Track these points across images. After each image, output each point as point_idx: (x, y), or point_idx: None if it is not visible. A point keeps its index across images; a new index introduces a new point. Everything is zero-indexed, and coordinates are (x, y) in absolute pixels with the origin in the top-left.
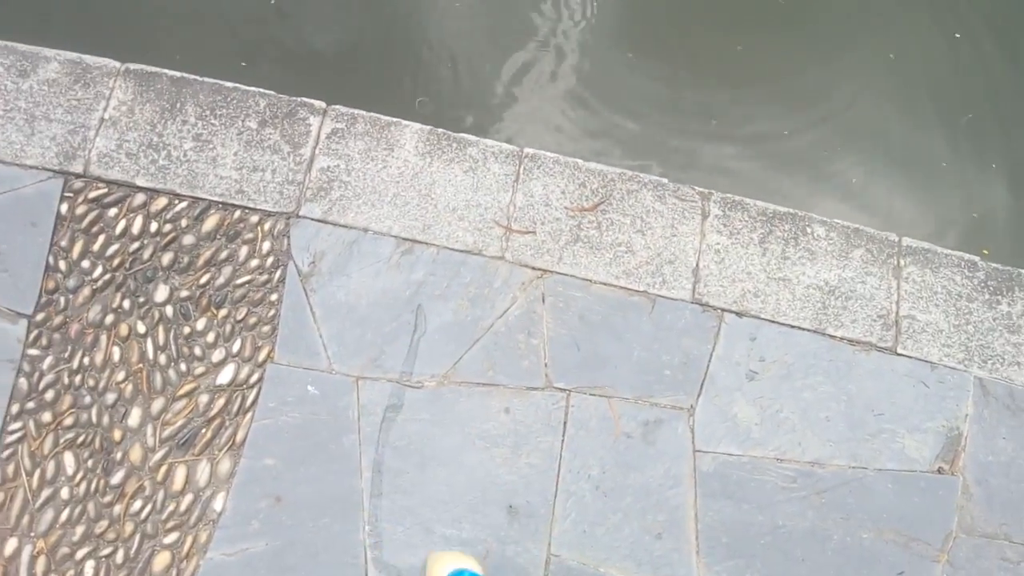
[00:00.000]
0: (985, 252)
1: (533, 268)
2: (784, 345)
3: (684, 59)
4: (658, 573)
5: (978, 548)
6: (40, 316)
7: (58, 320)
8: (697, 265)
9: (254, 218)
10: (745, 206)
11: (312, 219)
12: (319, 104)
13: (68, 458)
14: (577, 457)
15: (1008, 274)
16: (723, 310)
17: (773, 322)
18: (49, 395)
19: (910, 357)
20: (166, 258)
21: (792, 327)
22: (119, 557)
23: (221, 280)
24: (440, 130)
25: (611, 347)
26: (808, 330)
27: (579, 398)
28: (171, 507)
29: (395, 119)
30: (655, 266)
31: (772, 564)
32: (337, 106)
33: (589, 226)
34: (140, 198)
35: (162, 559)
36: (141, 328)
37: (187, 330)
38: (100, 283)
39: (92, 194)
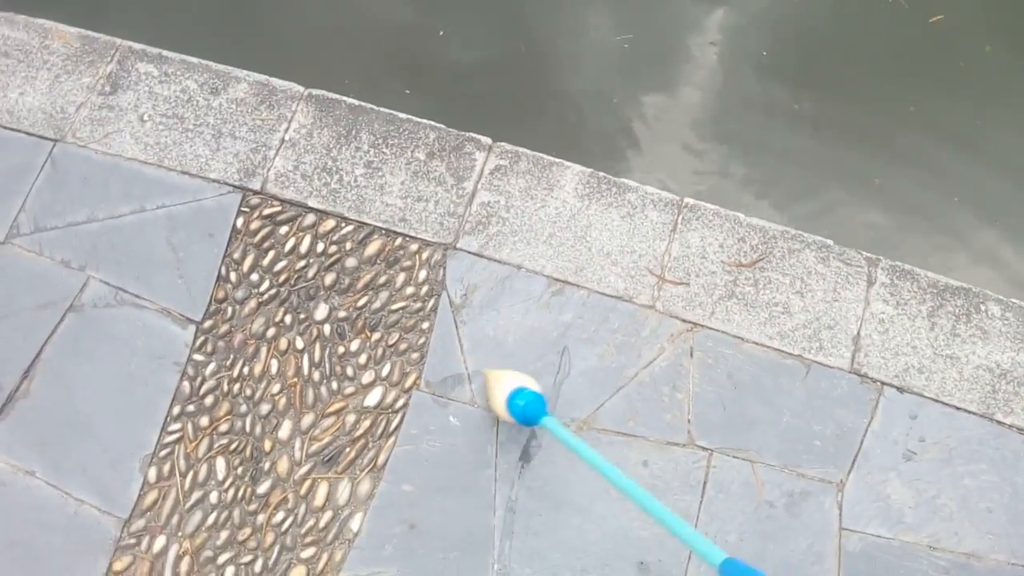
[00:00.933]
0: None
1: (683, 320)
2: (947, 427)
3: (854, 113)
4: None
5: None
6: (208, 323)
7: (224, 328)
8: (858, 333)
9: (414, 246)
10: (915, 276)
11: (468, 252)
12: (485, 140)
13: (220, 463)
14: (714, 520)
15: None
16: (883, 383)
17: (937, 401)
18: (209, 400)
19: None
20: (328, 278)
21: (957, 408)
22: (258, 566)
23: (377, 304)
24: (601, 173)
25: (759, 410)
26: (975, 413)
27: (721, 459)
28: (311, 522)
29: (558, 159)
30: (813, 330)
31: None
32: (503, 143)
33: (745, 283)
34: (311, 218)
35: (298, 572)
36: (300, 344)
37: (341, 350)
38: (266, 296)
39: (267, 211)
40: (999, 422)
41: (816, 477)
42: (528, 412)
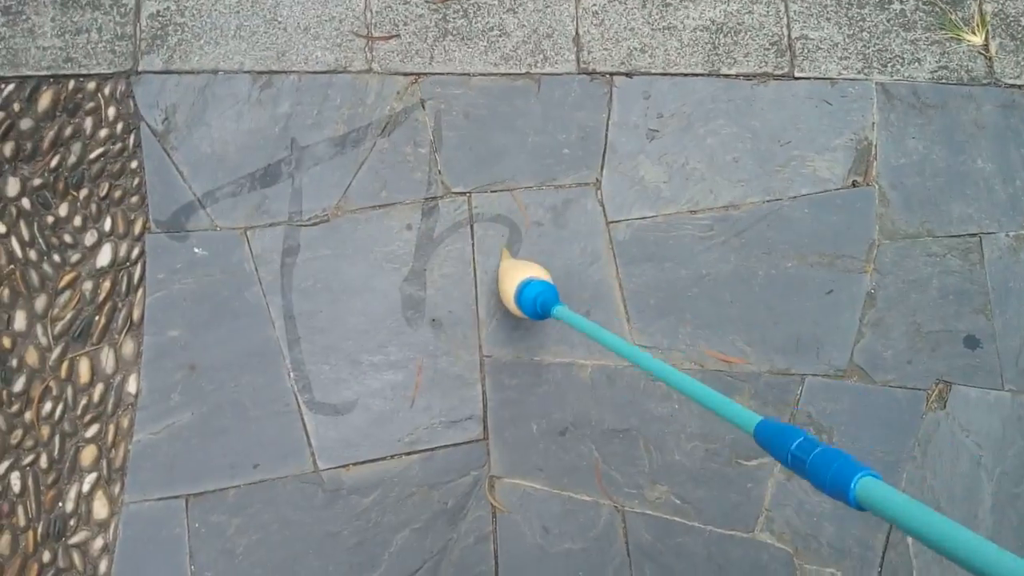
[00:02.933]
0: None
1: (405, 74)
2: (680, 96)
3: None
4: (591, 348)
5: (902, 250)
6: None
7: None
8: (577, 33)
9: (91, 85)
10: None
11: (154, 72)
12: None
13: None
14: (491, 257)
15: None
16: (611, 74)
17: (665, 74)
18: None
19: (809, 78)
20: (7, 148)
21: (685, 75)
22: (43, 462)
23: (73, 159)
24: None
25: (503, 139)
26: (702, 75)
27: (481, 198)
28: (84, 401)
29: None
30: (533, 44)
31: (703, 313)
32: None
33: (456, 16)
34: None
35: (89, 453)
36: (1, 228)
37: (51, 219)
38: None
39: None
40: (725, 75)
41: (573, 184)
42: (539, 304)
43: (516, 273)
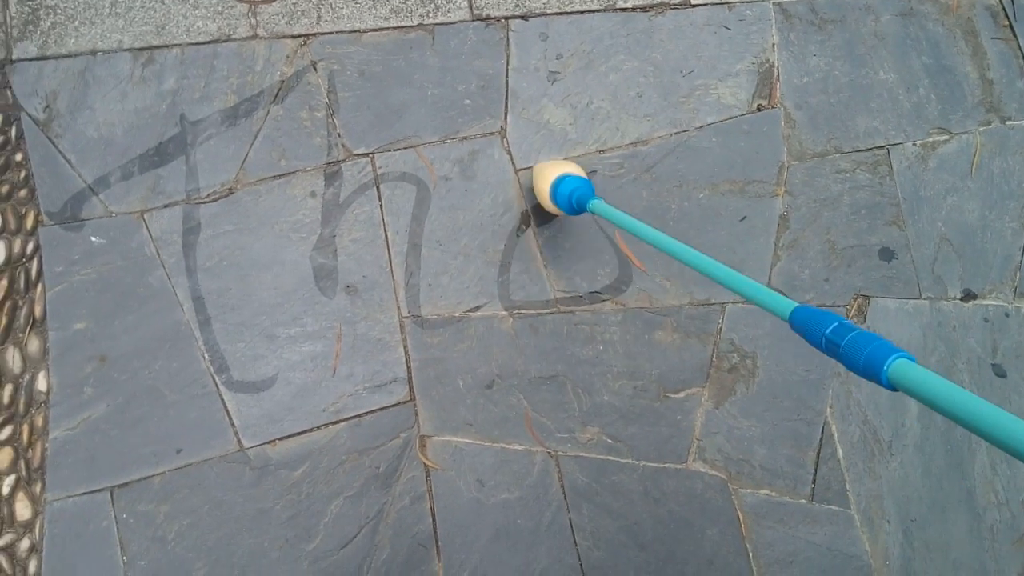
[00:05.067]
0: None
1: (293, 37)
2: (578, 34)
3: None
4: (513, 297)
5: (811, 169)
6: None
7: None
8: None
9: None
10: None
11: (29, 59)
12: None
13: None
14: (400, 217)
15: None
16: (507, 18)
17: (561, 14)
18: None
19: (706, 4)
20: None
21: (581, 12)
22: None
23: None
24: None
25: (402, 94)
26: (598, 10)
27: (385, 157)
28: None
29: None
30: None
31: None
32: None
33: None
34: None
35: (5, 455)
36: None
37: None
38: None
39: None
40: (621, 8)
41: (478, 134)
42: (574, 199)
43: (551, 171)
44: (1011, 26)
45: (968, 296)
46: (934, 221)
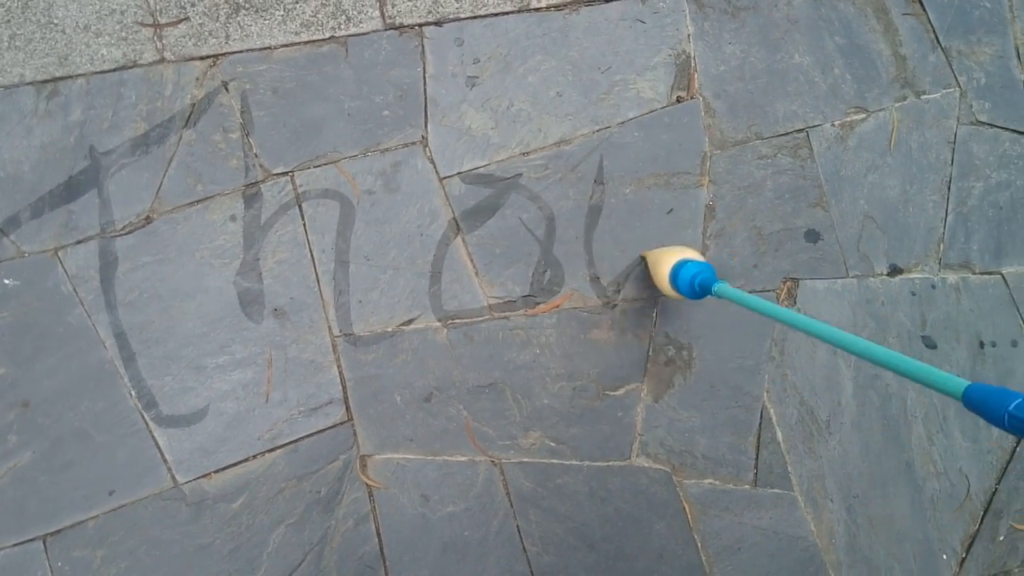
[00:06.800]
0: None
1: (202, 58)
2: (493, 37)
3: None
4: (446, 307)
5: (734, 157)
6: None
7: None
8: None
9: None
10: None
11: None
12: None
13: None
14: (325, 235)
15: None
16: (420, 25)
17: (475, 18)
18: None
19: (619, 0)
20: None
21: (495, 15)
22: None
23: None
24: None
25: (318, 109)
26: (512, 12)
27: (305, 175)
28: None
29: None
30: (333, 5)
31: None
32: None
33: None
34: None
35: None
36: None
37: None
38: None
39: None
40: (535, 9)
41: (399, 145)
42: (697, 284)
43: (667, 257)
44: (920, 0)
45: (894, 271)
46: (856, 200)
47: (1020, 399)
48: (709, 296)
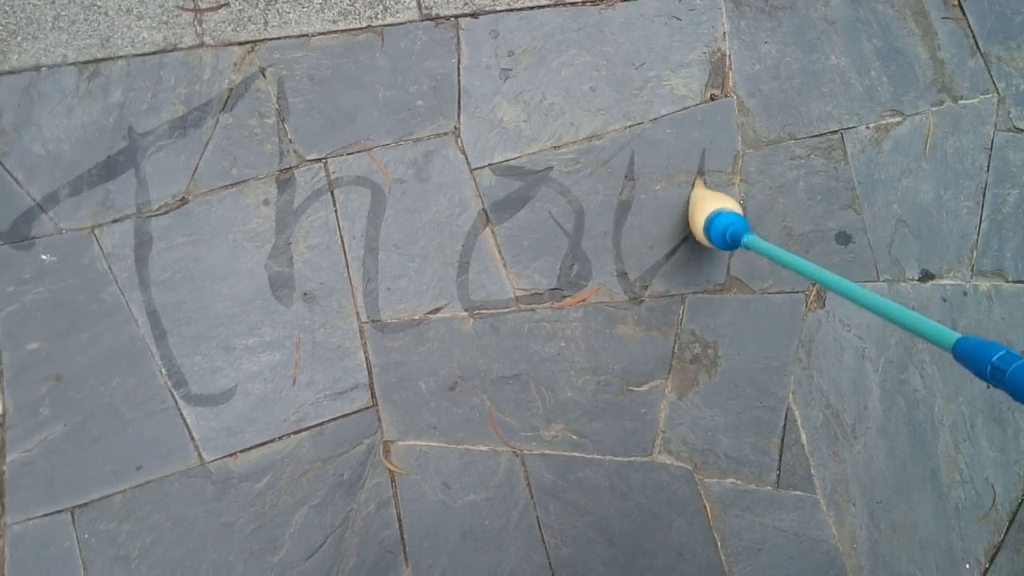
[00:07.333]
0: None
1: (240, 44)
2: (529, 30)
3: None
4: (473, 297)
5: (766, 157)
6: None
7: None
8: None
9: None
10: None
11: None
12: None
13: None
14: (356, 222)
15: None
16: (456, 16)
17: (510, 10)
18: None
19: None
20: None
21: (531, 8)
22: None
23: None
24: None
25: (353, 98)
26: (548, 6)
27: (338, 162)
28: None
29: None
30: None
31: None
32: None
33: None
34: None
35: None
36: None
37: None
38: None
39: None
40: (571, 3)
41: (431, 135)
42: (728, 235)
43: (706, 204)
44: (960, 5)
45: (926, 276)
46: (889, 203)
47: (1004, 352)
48: (739, 248)
